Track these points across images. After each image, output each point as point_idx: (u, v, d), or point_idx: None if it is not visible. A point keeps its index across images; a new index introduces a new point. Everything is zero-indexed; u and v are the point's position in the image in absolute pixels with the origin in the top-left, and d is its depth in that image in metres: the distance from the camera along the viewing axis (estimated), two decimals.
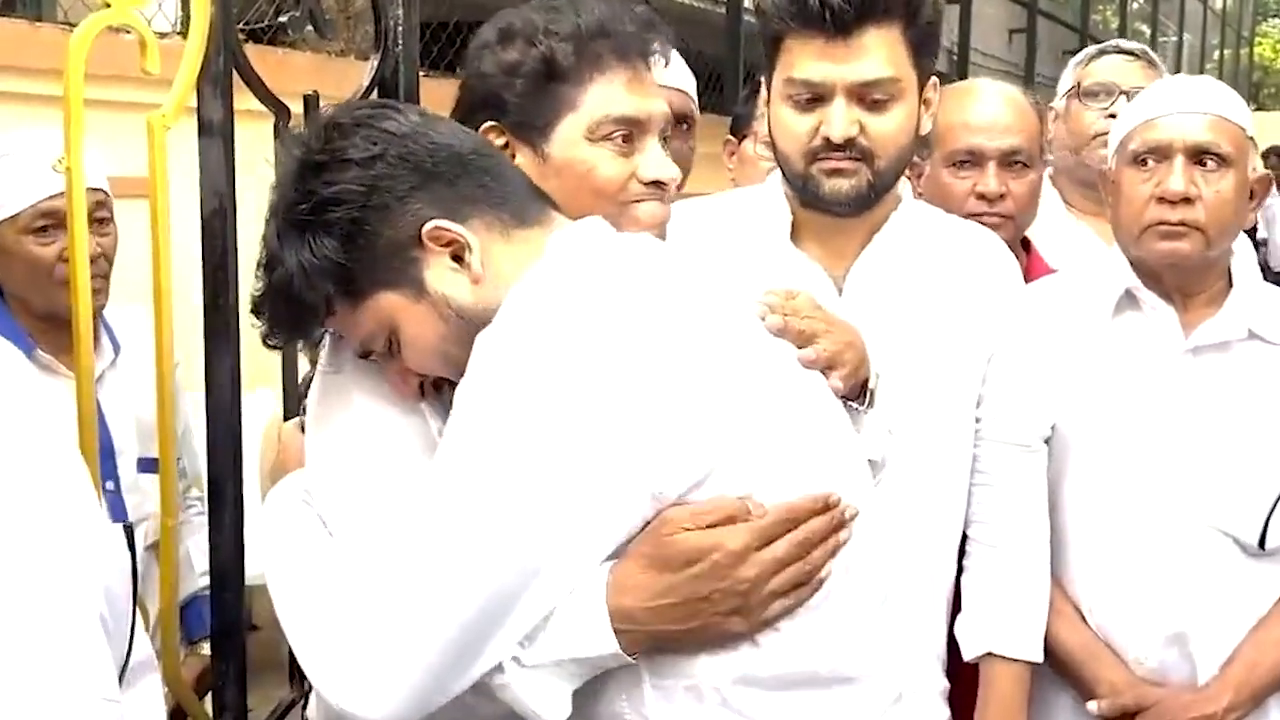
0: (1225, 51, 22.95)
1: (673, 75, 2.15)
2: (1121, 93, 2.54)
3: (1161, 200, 1.78)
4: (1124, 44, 2.68)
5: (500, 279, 1.27)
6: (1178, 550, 1.80)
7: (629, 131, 1.41)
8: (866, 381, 1.47)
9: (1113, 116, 2.44)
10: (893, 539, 1.67)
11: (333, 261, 1.25)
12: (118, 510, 2.19)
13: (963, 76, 9.23)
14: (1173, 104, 1.83)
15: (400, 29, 2.38)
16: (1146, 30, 17.28)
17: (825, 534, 1.23)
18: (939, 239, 1.79)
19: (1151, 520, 1.81)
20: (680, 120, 2.18)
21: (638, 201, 1.42)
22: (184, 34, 1.69)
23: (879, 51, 1.63)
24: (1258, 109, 27.98)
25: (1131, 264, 1.87)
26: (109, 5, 1.81)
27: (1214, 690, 1.80)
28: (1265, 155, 12.83)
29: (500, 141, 1.42)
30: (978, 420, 1.80)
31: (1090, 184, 2.45)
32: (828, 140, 1.65)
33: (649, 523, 1.18)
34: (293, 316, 1.30)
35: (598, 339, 1.17)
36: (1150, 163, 1.81)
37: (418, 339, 1.29)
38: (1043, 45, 12.21)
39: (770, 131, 1.75)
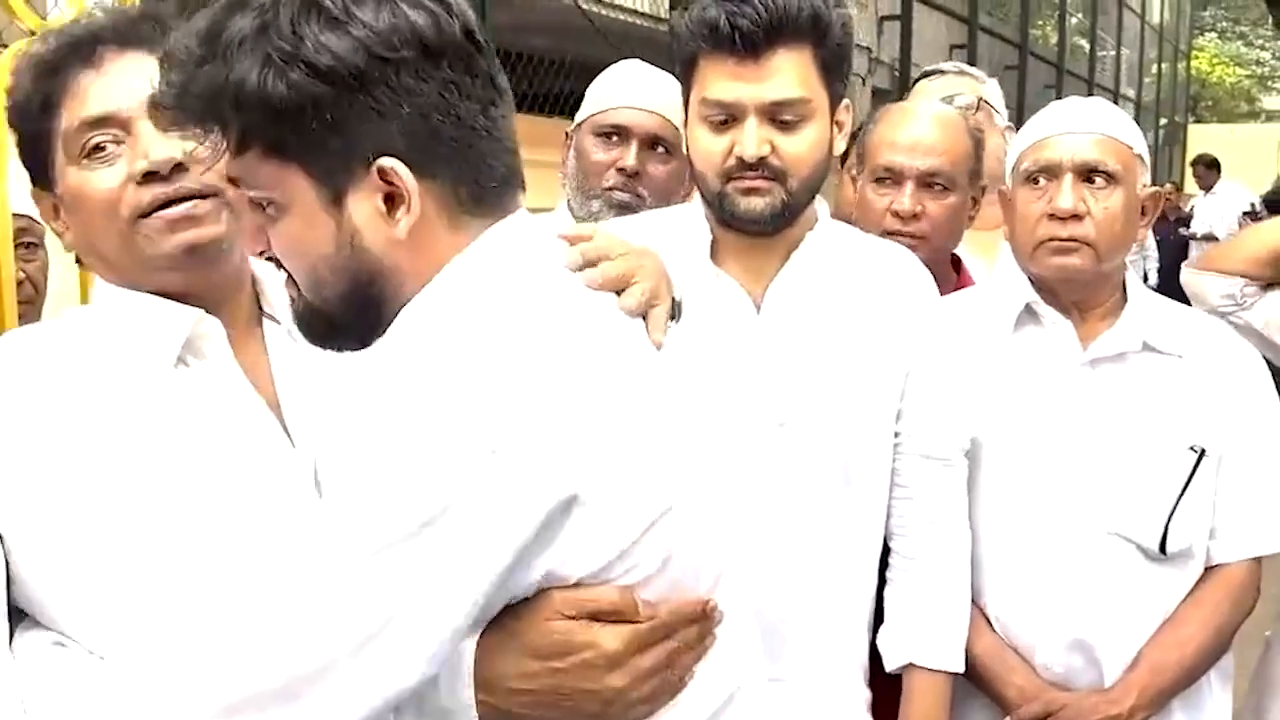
0: (1163, 65, 23.33)
1: (645, 97, 2.20)
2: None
3: (1053, 217, 1.85)
4: (944, 66, 2.72)
5: (420, 254, 1.13)
6: (1081, 557, 1.85)
7: (111, 138, 1.32)
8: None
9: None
10: (813, 553, 1.73)
11: (277, 110, 1.07)
12: None
13: (904, 92, 9.34)
14: (1062, 124, 1.90)
15: None
16: (1085, 45, 17.57)
17: (696, 642, 1.16)
18: (855, 258, 1.82)
19: (1055, 528, 1.86)
20: (655, 143, 2.22)
21: (144, 217, 1.31)
22: None
23: (789, 72, 1.68)
24: (1195, 122, 28.50)
25: (1030, 280, 1.93)
26: (33, 33, 1.84)
27: (1118, 693, 1.84)
28: (1194, 164, 13.10)
29: (47, 204, 1.39)
30: (897, 435, 1.82)
31: None
32: (741, 160, 1.69)
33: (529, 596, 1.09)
34: (201, 110, 1.11)
35: (486, 393, 1.04)
36: (1041, 181, 1.87)
37: (300, 240, 1.14)
38: (983, 61, 12.36)
39: (688, 152, 1.79)
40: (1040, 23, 15.81)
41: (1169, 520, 1.84)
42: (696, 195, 1.86)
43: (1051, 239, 1.85)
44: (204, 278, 1.34)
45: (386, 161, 1.10)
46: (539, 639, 1.09)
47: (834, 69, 1.72)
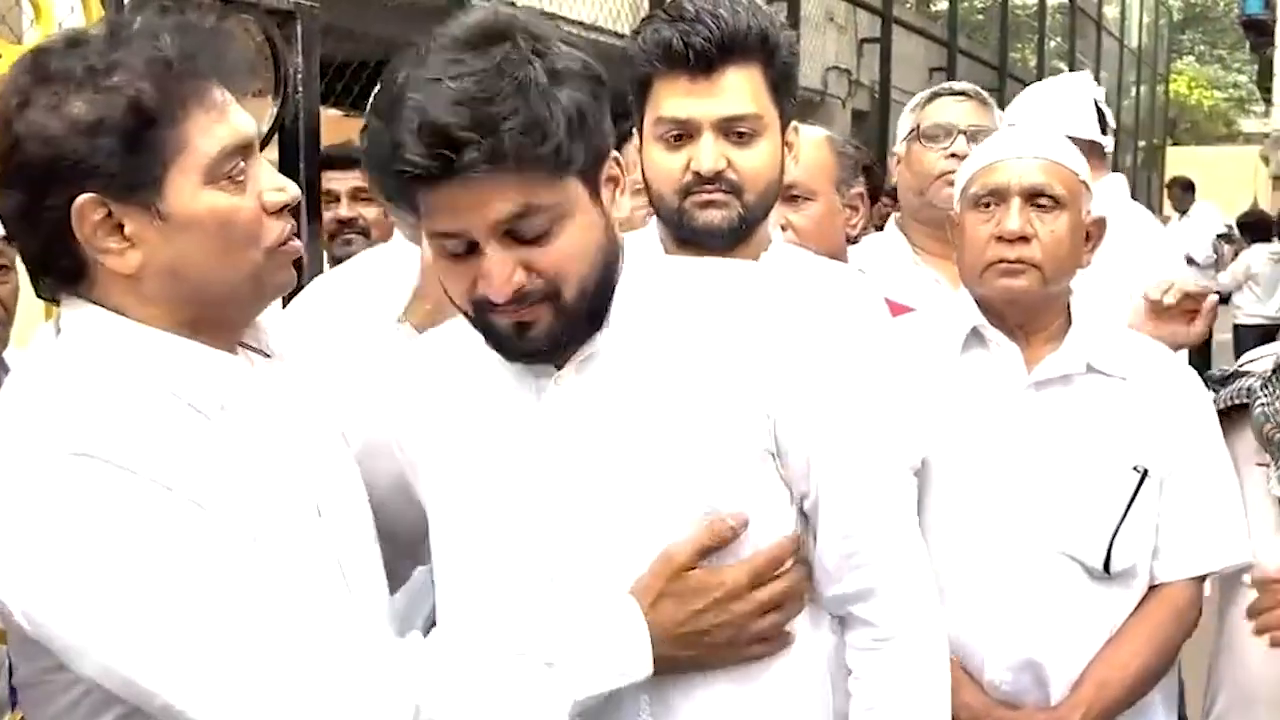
0: (1141, 88, 23.51)
1: None
2: (960, 132, 2.62)
3: (1000, 239, 1.89)
4: (955, 85, 2.76)
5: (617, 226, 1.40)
6: (1027, 576, 1.87)
7: (244, 164, 1.30)
8: None
9: (954, 156, 2.56)
10: None
11: (581, 127, 1.27)
12: None
13: (885, 114, 9.40)
14: (1010, 149, 1.95)
15: (300, 76, 2.45)
16: (1064, 67, 17.69)
17: (798, 583, 1.41)
18: (808, 282, 1.83)
19: (1001, 547, 1.87)
20: None
21: (282, 245, 1.34)
22: None
23: (741, 88, 1.73)
24: (1174, 144, 28.70)
25: (977, 302, 1.96)
26: (1, 55, 1.86)
27: (1064, 711, 1.86)
28: (1169, 186, 13.18)
29: (100, 215, 1.25)
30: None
31: (937, 224, 2.51)
32: (698, 174, 1.73)
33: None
34: (528, 151, 1.23)
35: None
36: (990, 205, 1.91)
37: (581, 240, 1.32)
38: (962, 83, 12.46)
39: (643, 173, 1.82)
40: (1019, 46, 15.95)
41: (1113, 539, 1.86)
42: (651, 222, 1.88)
43: (999, 261, 1.89)
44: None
45: (615, 153, 1.34)
46: (682, 587, 1.34)
47: (782, 88, 1.77)
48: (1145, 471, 1.88)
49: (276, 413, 1.38)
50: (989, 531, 1.87)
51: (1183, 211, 11.74)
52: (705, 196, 1.74)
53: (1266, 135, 22.07)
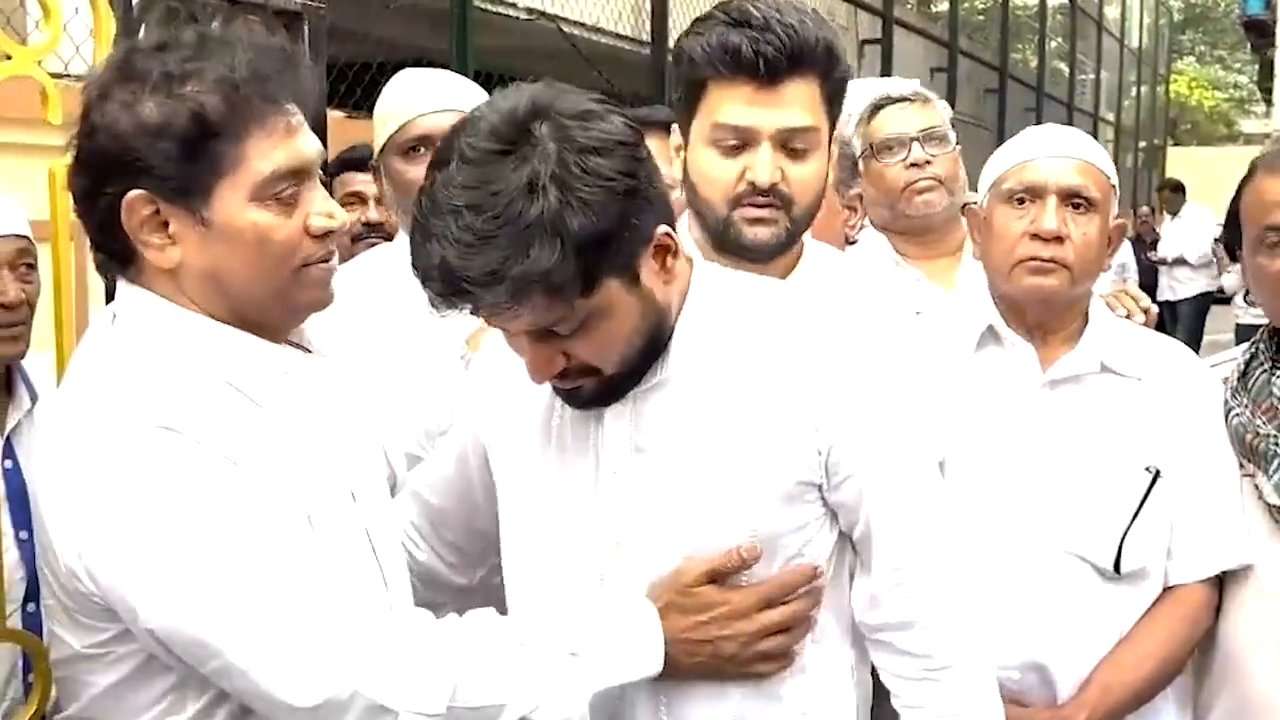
0: (1142, 88, 23.53)
1: (435, 100, 2.12)
2: (913, 139, 2.62)
3: (1034, 237, 1.87)
4: (894, 92, 2.71)
5: (676, 282, 1.45)
6: (1037, 575, 1.86)
7: (295, 187, 1.37)
8: None
9: (914, 165, 2.59)
10: None
11: (606, 239, 1.30)
12: (32, 558, 2.19)
13: None
14: (1047, 148, 1.93)
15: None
16: (1065, 68, 17.71)
17: (809, 608, 1.48)
18: (843, 283, 1.82)
19: (1012, 546, 1.87)
20: None
21: (306, 266, 1.39)
22: None
23: (803, 100, 1.70)
24: (1174, 144, 28.68)
25: (997, 299, 1.96)
26: (9, 57, 1.85)
27: (1069, 711, 1.85)
28: (1160, 188, 13.14)
29: (149, 211, 1.34)
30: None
31: (914, 232, 2.58)
32: (753, 185, 1.70)
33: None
34: (548, 288, 1.28)
35: None
36: (1024, 201, 1.90)
37: (617, 331, 1.38)
38: (963, 84, 12.47)
39: (686, 172, 1.78)
40: (1020, 47, 15.96)
41: (1123, 540, 1.86)
42: (681, 221, 1.82)
43: (1032, 258, 1.87)
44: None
45: (664, 229, 1.39)
46: (687, 601, 1.43)
47: (836, 101, 1.75)
48: (1157, 472, 1.88)
49: (317, 404, 1.47)
50: (999, 530, 1.87)
51: (1174, 213, 11.69)
52: (755, 212, 1.71)
53: (1267, 136, 22.04)
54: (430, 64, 2.87)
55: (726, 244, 1.74)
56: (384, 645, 1.31)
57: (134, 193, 1.33)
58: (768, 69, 1.67)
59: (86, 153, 1.35)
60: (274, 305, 1.40)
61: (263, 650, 1.27)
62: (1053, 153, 1.91)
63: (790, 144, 1.71)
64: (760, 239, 1.72)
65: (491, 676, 1.34)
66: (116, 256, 1.40)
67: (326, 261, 1.40)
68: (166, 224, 1.35)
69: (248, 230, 1.34)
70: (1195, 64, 34.51)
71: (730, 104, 1.70)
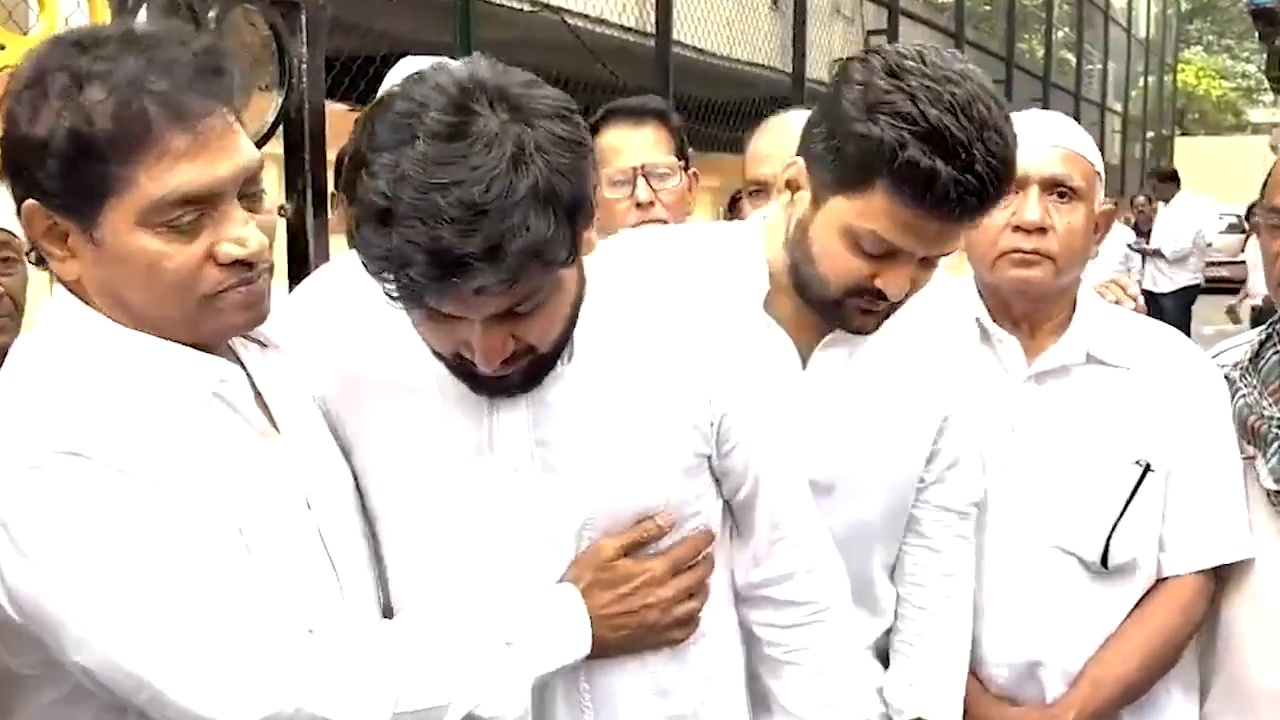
0: (1149, 79, 23.45)
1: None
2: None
3: (1017, 229, 1.83)
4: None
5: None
6: (1025, 570, 1.85)
7: (196, 213, 1.25)
8: None
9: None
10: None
11: (571, 210, 1.25)
12: None
13: None
14: (1028, 136, 1.86)
15: (304, 67, 2.43)
16: (1072, 58, 17.65)
17: (708, 571, 1.51)
18: (907, 307, 1.69)
19: (1000, 541, 1.86)
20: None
21: (220, 293, 1.28)
22: None
23: (959, 231, 1.56)
24: (1182, 134, 28.60)
25: (981, 291, 1.93)
26: (3, 47, 1.85)
27: (1059, 709, 1.85)
28: (1151, 175, 12.93)
29: (47, 222, 1.25)
30: (920, 481, 1.77)
31: None
32: (879, 293, 1.56)
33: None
34: (535, 263, 1.22)
35: None
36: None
37: (561, 305, 1.34)
38: None
39: (809, 236, 1.59)
40: (1026, 37, 15.89)
41: (1111, 534, 1.84)
42: (753, 218, 1.76)
43: (1015, 250, 1.83)
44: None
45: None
46: (608, 575, 1.43)
47: None
48: (1147, 465, 1.85)
49: (273, 403, 1.40)
50: (987, 525, 1.86)
51: (1165, 201, 11.50)
52: (870, 307, 1.59)
53: (1275, 125, 21.98)
54: (434, 57, 2.86)
55: (825, 315, 1.64)
56: (322, 658, 1.27)
57: (29, 202, 1.25)
58: (961, 212, 1.47)
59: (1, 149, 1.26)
60: (183, 329, 1.30)
61: (193, 677, 1.21)
62: (1034, 141, 1.82)
63: (929, 258, 1.57)
64: (866, 327, 1.63)
65: (432, 678, 1.31)
66: (41, 260, 1.31)
67: (248, 285, 1.29)
68: (66, 236, 1.26)
69: (137, 256, 1.24)
70: (1203, 53, 34.37)
71: (896, 221, 1.49)
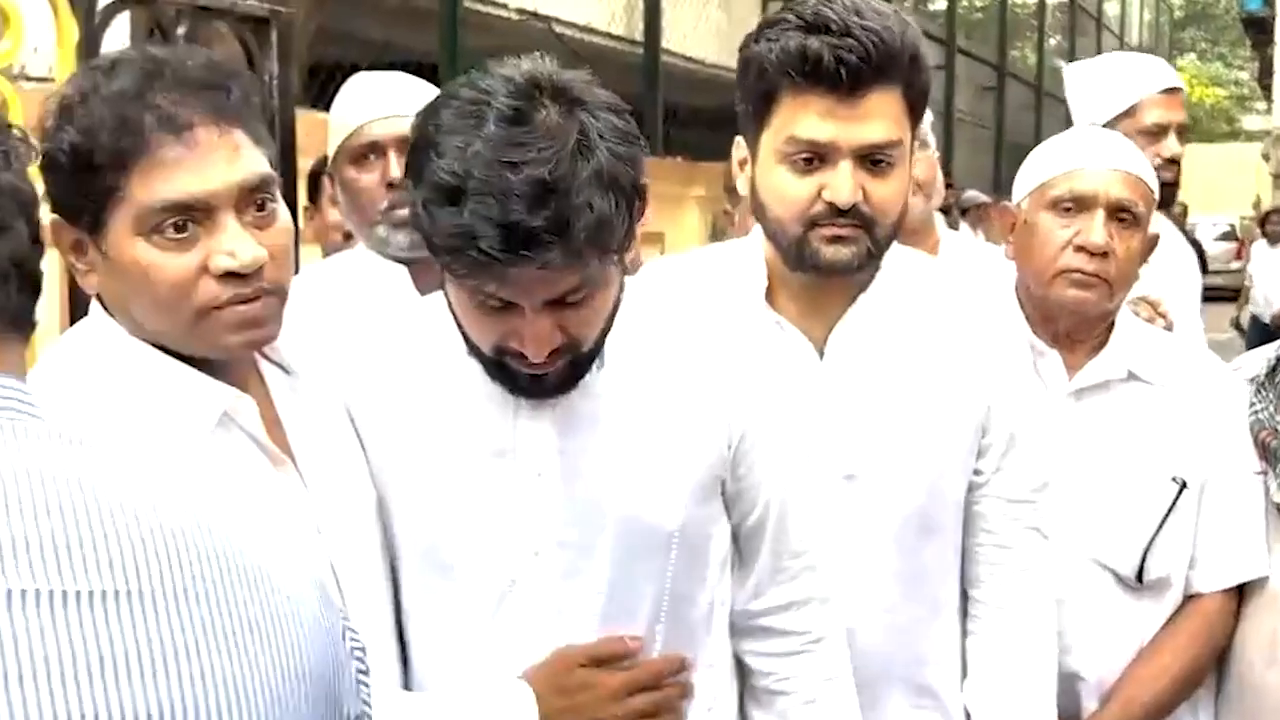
0: None
1: (384, 106, 2.04)
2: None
3: (1079, 249, 1.83)
4: None
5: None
6: (1061, 583, 1.80)
7: (188, 222, 1.25)
8: None
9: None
10: (895, 607, 1.66)
11: (630, 202, 1.29)
12: None
13: None
14: (1098, 158, 1.88)
15: (276, 83, 2.41)
16: (1064, 66, 17.67)
17: (679, 698, 1.48)
18: (927, 290, 1.71)
19: None
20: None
21: (216, 309, 1.28)
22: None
23: (886, 112, 1.56)
24: None
25: (1024, 303, 1.92)
26: None
27: None
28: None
29: (71, 236, 1.28)
30: (978, 473, 1.70)
31: None
32: (831, 205, 1.56)
33: None
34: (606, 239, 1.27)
35: None
36: (1070, 210, 1.85)
37: (604, 303, 1.36)
38: (961, 82, 12.45)
39: (757, 192, 1.64)
40: (1019, 44, 15.91)
41: (1147, 550, 1.84)
42: (755, 231, 1.73)
43: (1076, 270, 1.83)
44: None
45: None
46: (564, 679, 1.42)
47: (918, 111, 1.62)
48: (1184, 482, 1.85)
49: (291, 431, 1.39)
50: None
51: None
52: (834, 231, 1.57)
53: (1268, 133, 22.03)
54: (419, 65, 2.81)
55: (802, 263, 1.61)
56: None
57: (52, 217, 1.28)
58: (849, 78, 1.52)
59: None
60: (187, 344, 1.31)
61: None
62: (1103, 164, 1.86)
63: (872, 158, 1.56)
64: (840, 258, 1.58)
65: None
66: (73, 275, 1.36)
67: (245, 303, 1.28)
68: (86, 249, 1.30)
69: (134, 266, 1.26)
70: (1196, 61, 34.47)
71: (805, 117, 1.55)
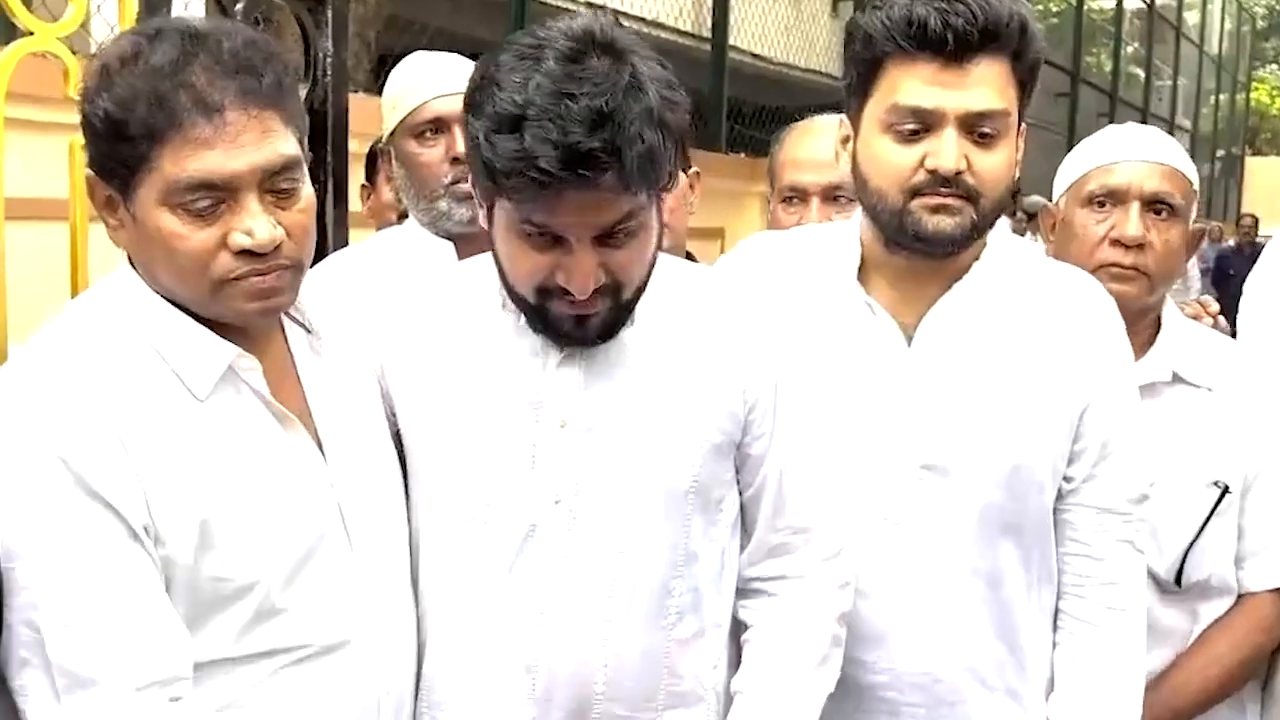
0: (1221, 96, 23.04)
1: (446, 83, 2.05)
2: None
3: (1115, 243, 1.83)
4: None
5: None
6: None
7: (211, 200, 1.30)
8: None
9: None
10: (973, 610, 1.63)
11: (677, 143, 1.39)
12: None
13: None
14: (1132, 151, 1.87)
15: (330, 60, 2.43)
16: (1140, 74, 17.38)
17: None
18: (1026, 285, 1.66)
19: None
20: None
21: (234, 280, 1.33)
22: None
23: (992, 82, 1.53)
24: (1254, 154, 28.08)
25: None
26: (32, 34, 1.84)
27: None
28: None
29: (105, 192, 1.34)
30: (1069, 479, 1.65)
31: None
32: (934, 173, 1.53)
33: None
34: (656, 162, 1.35)
35: None
36: (1105, 205, 1.84)
37: (649, 241, 1.43)
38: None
39: (859, 165, 1.62)
40: (1094, 50, 15.67)
41: (1186, 553, 1.81)
42: (856, 213, 1.71)
43: (1113, 264, 1.83)
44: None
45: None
46: None
47: (1028, 85, 1.59)
48: (1225, 487, 1.82)
49: (311, 391, 1.44)
50: None
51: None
52: (937, 200, 1.54)
53: None
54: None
55: (903, 236, 1.58)
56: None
57: (88, 173, 1.35)
58: (956, 44, 1.50)
59: None
60: (205, 308, 1.36)
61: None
62: (1137, 156, 1.86)
63: (978, 129, 1.53)
64: (944, 229, 1.55)
65: None
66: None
67: (260, 276, 1.33)
68: (117, 206, 1.35)
69: (158, 233, 1.31)
70: (1277, 71, 33.77)
71: (911, 84, 1.53)
